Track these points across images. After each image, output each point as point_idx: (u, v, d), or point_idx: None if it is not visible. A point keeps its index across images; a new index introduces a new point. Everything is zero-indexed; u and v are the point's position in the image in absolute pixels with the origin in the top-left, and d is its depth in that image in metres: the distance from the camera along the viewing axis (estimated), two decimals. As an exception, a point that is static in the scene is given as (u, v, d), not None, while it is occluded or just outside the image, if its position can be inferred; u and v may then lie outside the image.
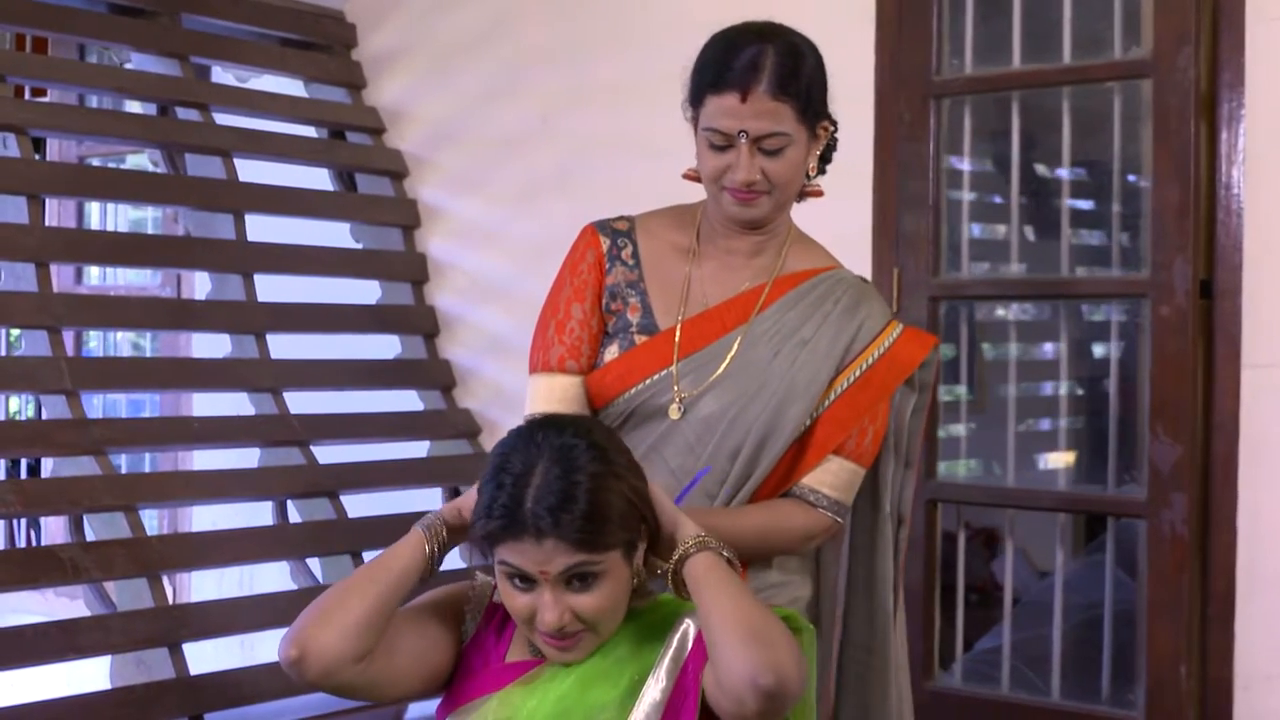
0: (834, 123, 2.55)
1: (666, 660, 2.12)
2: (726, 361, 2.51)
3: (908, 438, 2.66)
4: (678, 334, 2.54)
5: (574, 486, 2.06)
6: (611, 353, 2.59)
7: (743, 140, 2.43)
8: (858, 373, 2.52)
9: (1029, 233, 4.41)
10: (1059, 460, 3.84)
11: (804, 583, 2.62)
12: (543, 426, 2.15)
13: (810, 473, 2.52)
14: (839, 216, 3.86)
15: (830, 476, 2.52)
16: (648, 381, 2.53)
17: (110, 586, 3.57)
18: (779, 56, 2.42)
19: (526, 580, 2.09)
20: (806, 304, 2.55)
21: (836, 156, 3.76)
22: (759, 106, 2.42)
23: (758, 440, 2.48)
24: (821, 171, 2.59)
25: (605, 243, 2.64)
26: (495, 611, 2.28)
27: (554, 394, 2.58)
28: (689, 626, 2.13)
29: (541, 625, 2.09)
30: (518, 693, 2.14)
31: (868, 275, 3.73)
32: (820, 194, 2.59)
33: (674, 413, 2.50)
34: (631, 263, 2.62)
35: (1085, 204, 4.33)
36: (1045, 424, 4.55)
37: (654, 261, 2.62)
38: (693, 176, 2.56)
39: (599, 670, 2.14)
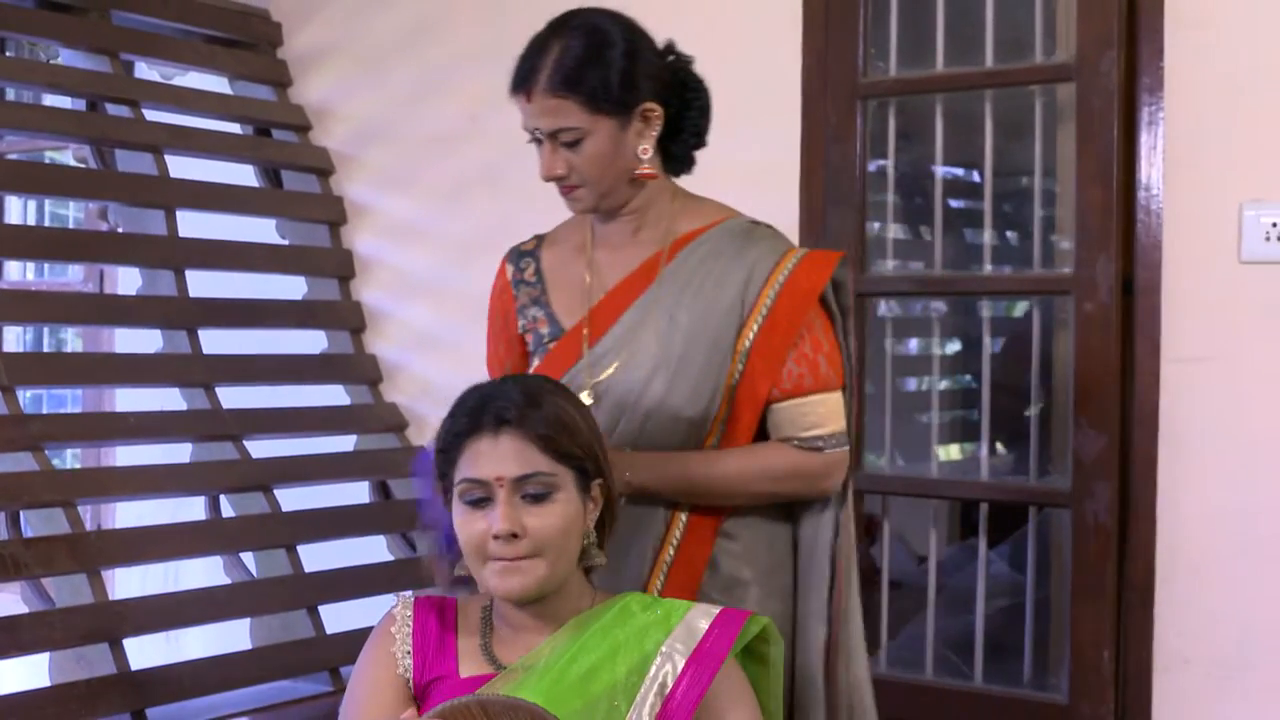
0: (665, 100, 2.51)
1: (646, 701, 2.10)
2: (623, 338, 2.52)
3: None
4: (585, 327, 2.55)
5: (540, 393, 2.17)
6: (534, 367, 2.62)
7: (540, 136, 2.48)
8: (759, 321, 2.49)
9: (953, 231, 4.50)
10: (980, 451, 3.91)
11: (768, 598, 2.56)
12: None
13: (780, 421, 2.51)
14: (767, 215, 3.93)
15: (799, 416, 2.50)
16: (563, 379, 2.48)
17: (48, 582, 3.57)
18: (561, 52, 2.43)
19: (482, 500, 2.11)
20: (695, 261, 2.54)
21: (764, 155, 3.85)
22: (541, 105, 2.45)
23: (671, 413, 2.48)
24: (695, 146, 2.59)
25: (510, 270, 2.70)
26: (426, 624, 2.25)
27: None
28: (667, 671, 2.11)
29: (495, 528, 2.08)
30: None
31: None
32: (652, 176, 2.53)
33: (586, 399, 2.46)
34: (534, 280, 2.66)
35: (1007, 204, 4.41)
36: (967, 416, 4.65)
37: (555, 270, 2.65)
38: None
39: (565, 680, 2.09)
